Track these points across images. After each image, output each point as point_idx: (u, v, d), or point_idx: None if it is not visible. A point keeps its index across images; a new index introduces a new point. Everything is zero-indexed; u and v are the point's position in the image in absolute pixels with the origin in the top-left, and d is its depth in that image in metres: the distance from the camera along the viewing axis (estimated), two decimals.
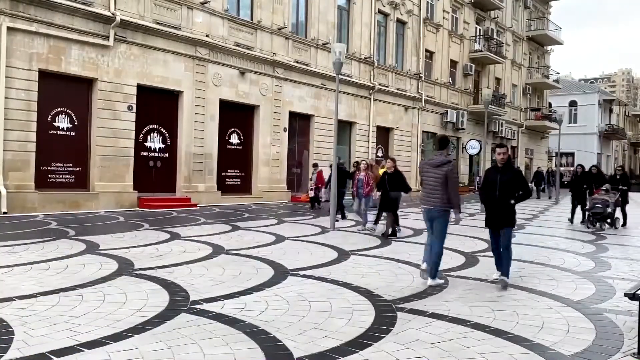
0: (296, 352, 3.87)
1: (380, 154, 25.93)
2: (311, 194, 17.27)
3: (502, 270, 6.39)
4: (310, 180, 18.10)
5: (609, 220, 13.27)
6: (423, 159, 10.21)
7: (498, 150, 6.66)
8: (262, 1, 19.10)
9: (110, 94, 14.74)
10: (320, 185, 16.81)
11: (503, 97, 34.81)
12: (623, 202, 14.03)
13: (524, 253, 8.88)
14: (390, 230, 10.78)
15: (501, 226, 6.43)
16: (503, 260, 6.40)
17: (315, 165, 18.45)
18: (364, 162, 13.20)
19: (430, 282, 6.25)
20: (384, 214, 11.05)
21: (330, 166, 14.22)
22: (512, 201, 6.39)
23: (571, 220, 14.68)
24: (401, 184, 10.95)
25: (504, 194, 6.40)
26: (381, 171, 12.44)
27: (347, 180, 14.79)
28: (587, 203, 13.93)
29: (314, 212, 15.78)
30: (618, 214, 13.86)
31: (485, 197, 6.73)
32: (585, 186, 14.49)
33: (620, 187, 14.01)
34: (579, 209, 14.71)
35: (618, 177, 14.73)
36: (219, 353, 3.81)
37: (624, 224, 13.97)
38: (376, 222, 11.42)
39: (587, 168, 15.71)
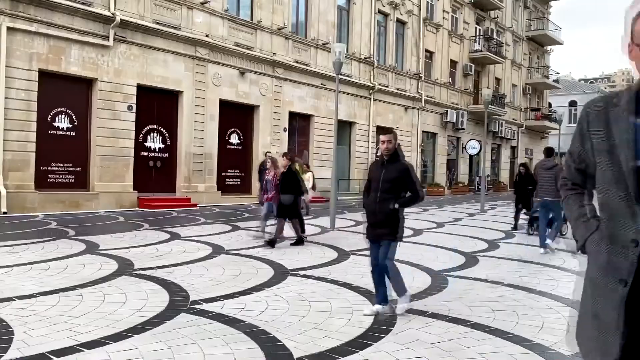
0: (296, 352, 3.86)
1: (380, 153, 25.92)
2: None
3: (396, 290, 4.98)
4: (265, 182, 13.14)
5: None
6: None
7: (382, 137, 4.99)
8: (262, 1, 19.09)
9: (110, 94, 14.74)
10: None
11: (503, 97, 34.82)
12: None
13: (524, 253, 8.88)
14: (296, 237, 9.33)
15: (381, 238, 4.94)
16: (391, 281, 4.96)
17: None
18: (269, 157, 10.77)
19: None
20: (286, 220, 9.42)
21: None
22: (395, 205, 4.83)
23: (515, 227, 12.63)
24: (293, 185, 9.27)
25: (385, 195, 4.87)
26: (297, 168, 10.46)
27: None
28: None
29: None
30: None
31: (365, 199, 5.16)
32: (530, 187, 12.07)
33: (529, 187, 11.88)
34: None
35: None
36: (219, 353, 3.81)
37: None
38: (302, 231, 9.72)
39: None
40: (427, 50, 28.93)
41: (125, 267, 6.74)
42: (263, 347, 3.95)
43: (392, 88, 26.07)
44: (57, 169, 14.02)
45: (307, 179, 12.52)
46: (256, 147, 19.34)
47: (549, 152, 9.59)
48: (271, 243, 8.86)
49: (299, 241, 9.32)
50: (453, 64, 31.43)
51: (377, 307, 4.91)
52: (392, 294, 5.03)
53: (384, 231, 4.88)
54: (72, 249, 7.97)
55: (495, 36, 34.37)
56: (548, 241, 9.10)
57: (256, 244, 9.12)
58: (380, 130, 25.55)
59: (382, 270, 4.93)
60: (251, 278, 6.33)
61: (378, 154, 5.16)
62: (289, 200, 9.21)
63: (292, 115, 20.78)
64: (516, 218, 12.84)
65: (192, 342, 4.00)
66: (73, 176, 14.33)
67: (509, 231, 12.28)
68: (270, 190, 9.71)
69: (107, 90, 14.65)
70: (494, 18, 35.34)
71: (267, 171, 10.28)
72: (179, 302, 5.15)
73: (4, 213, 12.29)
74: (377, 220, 4.91)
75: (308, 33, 21.39)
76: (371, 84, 24.42)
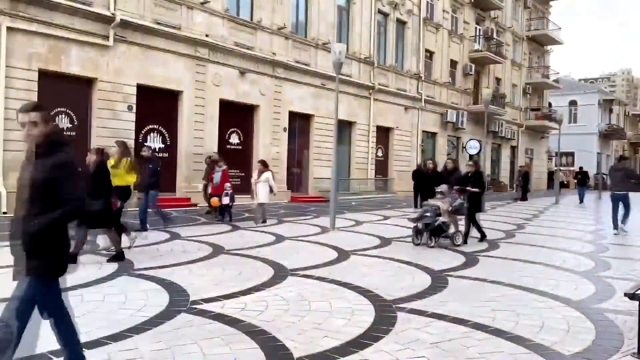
0: (296, 352, 3.87)
1: (380, 153, 25.94)
2: (225, 200, 12.48)
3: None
4: (215, 182, 12.88)
5: (444, 235, 9.61)
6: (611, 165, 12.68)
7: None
8: (262, 1, 19.09)
9: (110, 94, 14.74)
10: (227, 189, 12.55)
11: (503, 97, 34.82)
12: (472, 210, 10.14)
13: (524, 253, 8.89)
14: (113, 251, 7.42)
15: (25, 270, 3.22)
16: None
17: (215, 162, 13.73)
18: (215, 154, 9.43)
19: None
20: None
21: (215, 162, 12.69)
22: (37, 222, 3.15)
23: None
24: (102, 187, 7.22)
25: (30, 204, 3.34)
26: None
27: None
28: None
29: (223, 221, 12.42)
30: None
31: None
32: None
33: (469, 188, 10.14)
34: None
35: (470, 174, 10.47)
36: (219, 353, 3.81)
37: (465, 241, 9.81)
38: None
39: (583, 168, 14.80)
40: (427, 50, 28.93)
41: (125, 267, 6.75)
42: (263, 347, 3.95)
43: (392, 88, 26.07)
44: None
45: (266, 179, 12.00)
46: (256, 147, 19.33)
47: (621, 158, 13.35)
48: (118, 257, 7.27)
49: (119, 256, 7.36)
50: (453, 63, 31.43)
51: None
52: None
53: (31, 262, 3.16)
54: (71, 249, 7.95)
55: (495, 36, 34.36)
56: (620, 225, 12.03)
57: (258, 243, 9.11)
58: (380, 130, 25.63)
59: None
60: (251, 278, 6.33)
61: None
62: (97, 206, 6.94)
63: (292, 115, 20.78)
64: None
65: (192, 342, 4.00)
66: None
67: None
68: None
69: (107, 90, 14.65)
70: (494, 18, 35.34)
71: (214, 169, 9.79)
72: (179, 302, 5.15)
73: (4, 213, 12.29)
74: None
75: (308, 33, 21.39)
76: (371, 84, 24.42)
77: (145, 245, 8.64)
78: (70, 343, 3.34)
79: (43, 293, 3.24)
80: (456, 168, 11.72)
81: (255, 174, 10.68)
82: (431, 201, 10.13)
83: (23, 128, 3.31)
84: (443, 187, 10.09)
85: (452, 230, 9.63)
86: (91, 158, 7.43)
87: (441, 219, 9.46)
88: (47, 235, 3.15)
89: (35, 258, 3.16)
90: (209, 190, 13.04)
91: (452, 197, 9.87)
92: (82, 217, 6.28)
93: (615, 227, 12.07)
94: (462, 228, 10.00)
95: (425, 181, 11.86)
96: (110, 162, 8.34)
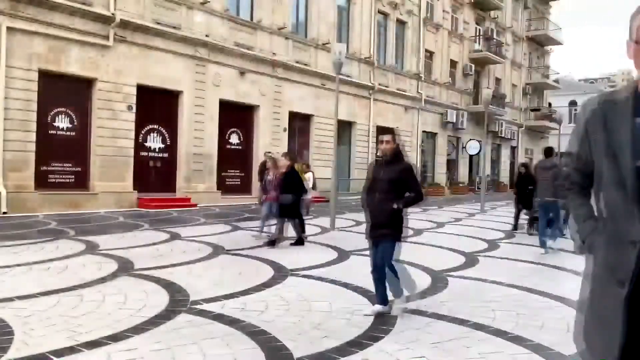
0: (296, 352, 3.86)
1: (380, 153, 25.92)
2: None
3: (393, 292, 4.98)
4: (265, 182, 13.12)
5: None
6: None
7: (382, 137, 5.00)
8: (262, 1, 19.09)
9: (110, 94, 14.74)
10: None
11: (503, 97, 34.82)
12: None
13: (524, 253, 8.88)
14: (296, 237, 9.26)
15: (382, 238, 4.88)
16: (388, 282, 4.92)
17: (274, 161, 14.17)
18: (270, 156, 10.48)
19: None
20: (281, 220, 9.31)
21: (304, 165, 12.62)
22: (397, 205, 4.78)
23: (515, 227, 12.56)
24: (297, 185, 9.26)
25: (386, 195, 4.81)
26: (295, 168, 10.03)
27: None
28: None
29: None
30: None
31: (365, 199, 5.10)
32: (530, 187, 11.68)
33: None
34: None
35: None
36: (219, 353, 3.80)
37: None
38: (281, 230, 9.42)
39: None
40: (427, 50, 28.93)
41: (125, 267, 6.74)
42: (263, 347, 3.94)
43: (392, 88, 26.07)
44: (57, 169, 14.02)
45: (307, 178, 12.31)
46: (256, 147, 19.33)
47: (548, 152, 9.78)
48: (271, 243, 8.89)
49: (299, 241, 9.26)
50: (453, 64, 31.43)
51: (377, 307, 4.89)
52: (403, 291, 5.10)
53: (385, 231, 4.82)
54: (72, 249, 7.96)
55: (495, 36, 34.37)
56: (549, 242, 9.12)
57: (257, 243, 9.12)
58: (381, 130, 25.60)
59: (381, 270, 4.88)
60: (251, 278, 6.32)
61: (378, 154, 5.07)
62: (288, 200, 9.06)
63: (292, 115, 20.78)
64: (516, 218, 12.76)
65: (192, 342, 3.99)
66: (73, 176, 14.33)
67: (509, 231, 12.28)
68: (271, 191, 9.57)
69: (107, 90, 14.65)
70: (494, 18, 35.34)
71: (267, 171, 10.12)
72: (179, 302, 5.15)
73: (4, 213, 12.29)
74: (378, 221, 4.85)
75: (308, 33, 21.39)
76: (371, 84, 24.42)
77: (145, 245, 8.64)
78: (396, 290, 4.95)
79: (390, 252, 4.83)
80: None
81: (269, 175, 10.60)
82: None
83: (381, 144, 4.94)
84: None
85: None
86: (284, 162, 9.49)
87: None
88: (398, 213, 4.81)
89: (390, 228, 4.82)
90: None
91: None
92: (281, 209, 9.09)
93: (543, 245, 9.03)
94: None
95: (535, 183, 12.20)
96: (297, 167, 10.30)
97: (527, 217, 12.19)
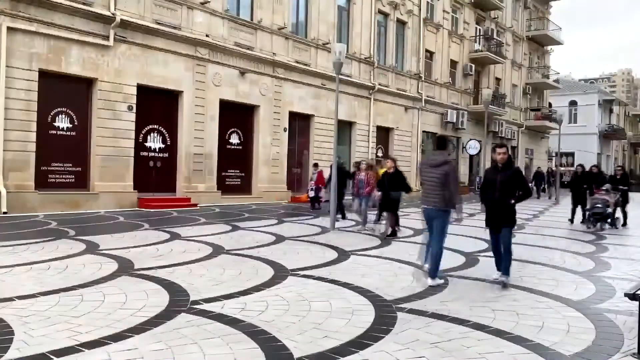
0: (296, 352, 3.87)
1: (380, 153, 25.94)
2: (311, 194, 17.19)
3: (502, 270, 6.45)
4: (311, 180, 17.96)
5: (609, 220, 13.35)
6: (423, 159, 9.48)
7: (498, 149, 6.66)
8: (262, 1, 19.09)
9: (110, 94, 14.74)
10: (320, 186, 16.69)
11: (503, 97, 34.81)
12: (624, 202, 14.08)
13: (524, 253, 8.88)
14: (390, 230, 10.80)
15: (501, 226, 6.48)
16: (503, 260, 6.44)
17: (315, 165, 18.51)
18: (364, 162, 13.28)
19: (430, 282, 6.22)
20: (385, 213, 11.15)
21: (331, 166, 13.75)
22: (512, 201, 6.43)
23: (571, 221, 14.71)
24: (401, 184, 10.85)
25: (503, 193, 6.43)
26: (381, 171, 12.22)
27: (347, 181, 14.26)
28: (588, 203, 14.01)
29: (314, 212, 15.77)
30: (618, 214, 13.89)
31: (484, 197, 6.80)
32: (585, 186, 14.51)
33: (620, 187, 14.00)
34: (579, 210, 14.71)
35: (618, 177, 14.62)
36: (219, 353, 3.81)
37: (624, 224, 14.03)
38: (377, 221, 11.79)
39: (587, 168, 15.74)
40: (427, 50, 28.93)
41: (125, 267, 6.75)
42: (263, 347, 3.95)
43: (392, 88, 26.06)
44: (57, 169, 14.02)
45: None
46: (256, 147, 19.33)
47: (441, 140, 7.10)
48: (393, 234, 10.73)
49: (394, 233, 10.84)
50: (453, 64, 31.42)
51: (498, 274, 6.49)
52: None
53: (503, 221, 6.43)
54: (72, 249, 7.97)
55: (495, 36, 34.34)
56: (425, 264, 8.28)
57: (255, 244, 9.11)
58: (381, 130, 25.62)
59: (499, 251, 6.52)
60: (251, 278, 6.33)
61: (494, 160, 6.75)
62: (398, 196, 10.85)
63: (292, 115, 20.77)
64: (573, 212, 14.93)
65: (192, 342, 4.00)
66: (73, 176, 14.33)
67: (567, 223, 14.59)
68: (363, 187, 11.98)
69: (107, 90, 14.65)
70: (494, 18, 35.33)
71: (357, 172, 12.54)
72: (179, 302, 5.15)
73: (4, 213, 12.29)
74: (497, 213, 6.51)
75: (308, 33, 21.39)
76: (371, 84, 24.41)
77: (145, 245, 8.64)
78: (506, 266, 6.44)
79: (508, 236, 6.44)
80: (600, 172, 15.70)
81: (360, 175, 12.65)
82: (598, 196, 13.45)
83: (499, 155, 6.61)
84: (607, 186, 13.77)
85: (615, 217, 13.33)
86: (388, 164, 11.17)
87: (609, 209, 13.19)
88: (513, 207, 6.47)
89: (508, 218, 6.44)
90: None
91: (615, 193, 13.56)
92: (384, 204, 10.93)
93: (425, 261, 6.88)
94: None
95: (589, 182, 14.74)
96: (383, 169, 11.82)
97: (584, 213, 14.15)
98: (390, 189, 10.68)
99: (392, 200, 10.73)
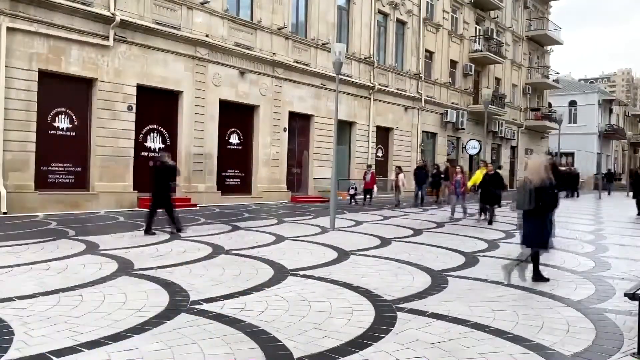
0: (296, 352, 3.87)
1: (380, 153, 25.94)
2: (351, 191, 20.20)
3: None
4: (364, 179, 20.29)
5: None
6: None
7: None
8: (262, 1, 19.09)
9: (110, 94, 14.74)
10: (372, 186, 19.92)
11: (503, 97, 34.80)
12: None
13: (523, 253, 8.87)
14: (489, 219, 13.70)
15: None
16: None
17: (369, 167, 21.11)
18: (458, 167, 17.19)
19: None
20: (486, 206, 13.98)
21: (416, 168, 20.95)
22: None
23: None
24: (500, 183, 13.86)
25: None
26: (481, 173, 15.25)
27: (426, 180, 20.27)
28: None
29: (353, 207, 18.14)
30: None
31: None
32: None
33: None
34: None
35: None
36: (219, 353, 3.81)
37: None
38: (480, 214, 14.66)
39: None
40: (427, 50, 28.92)
41: (125, 267, 6.75)
42: (263, 347, 3.95)
43: (392, 88, 26.06)
44: (57, 169, 14.02)
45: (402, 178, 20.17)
46: (256, 147, 19.33)
47: None
48: (490, 222, 13.48)
49: (490, 222, 13.53)
50: (453, 64, 31.42)
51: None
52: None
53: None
54: (72, 249, 7.97)
55: (495, 36, 34.34)
56: None
57: (253, 244, 9.11)
58: (380, 130, 25.61)
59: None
60: (251, 278, 6.33)
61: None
62: (498, 192, 13.51)
63: (292, 115, 20.77)
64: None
65: (192, 342, 4.00)
66: (73, 176, 14.33)
67: (634, 217, 16.72)
68: (460, 186, 15.11)
69: (107, 90, 14.65)
70: (494, 18, 35.33)
71: (455, 174, 15.80)
72: (179, 302, 5.15)
73: (4, 213, 12.29)
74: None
75: (308, 33, 21.39)
76: (371, 84, 24.41)
77: (146, 245, 8.64)
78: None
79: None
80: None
81: (393, 175, 18.33)
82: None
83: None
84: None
85: None
86: (489, 167, 14.48)
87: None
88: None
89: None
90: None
91: None
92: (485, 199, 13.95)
93: None
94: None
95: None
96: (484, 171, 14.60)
97: None
98: (492, 187, 13.57)
99: (494, 196, 13.52)
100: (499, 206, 13.93)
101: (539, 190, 6.44)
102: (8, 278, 6.00)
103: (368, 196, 19.81)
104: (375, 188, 20.20)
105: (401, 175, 20.12)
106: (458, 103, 31.56)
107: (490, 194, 13.58)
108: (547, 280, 6.62)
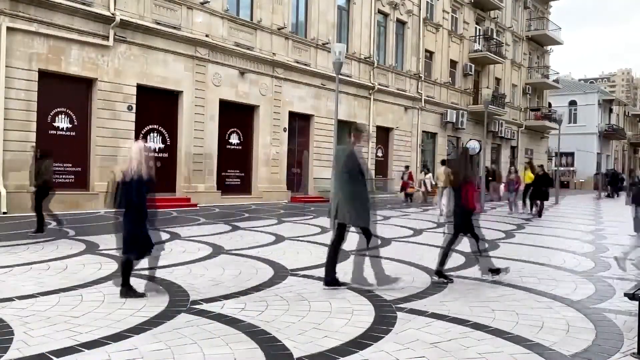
0: (296, 352, 3.86)
1: (380, 153, 25.95)
2: (410, 190, 22.89)
3: None
4: (402, 179, 23.38)
5: None
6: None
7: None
8: (262, 1, 19.10)
9: (110, 94, 14.74)
10: (410, 183, 22.81)
11: (503, 97, 34.81)
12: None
13: (524, 253, 8.88)
14: (539, 213, 16.06)
15: None
16: None
17: (407, 167, 23.75)
18: (512, 167, 19.76)
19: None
20: (533, 201, 16.46)
21: (487, 170, 23.00)
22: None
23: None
24: (549, 182, 16.52)
25: None
26: (528, 173, 17.53)
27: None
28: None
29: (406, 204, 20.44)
30: None
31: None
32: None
33: None
34: None
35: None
36: (219, 353, 3.81)
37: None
38: (531, 208, 16.67)
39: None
40: (427, 50, 28.93)
41: None
42: (263, 347, 3.95)
43: (392, 88, 26.07)
44: (57, 169, 13.92)
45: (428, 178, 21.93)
46: (256, 147, 19.34)
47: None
48: (540, 215, 15.96)
49: (540, 214, 16.07)
50: (453, 64, 31.42)
51: None
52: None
53: None
54: (72, 249, 7.97)
55: (495, 36, 34.36)
56: None
57: (258, 243, 9.12)
58: (380, 130, 25.61)
59: None
60: (251, 278, 6.33)
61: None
62: (546, 189, 16.20)
63: (292, 115, 20.77)
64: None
65: (192, 342, 4.00)
66: (73, 176, 14.33)
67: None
68: (513, 185, 17.44)
69: (107, 90, 14.65)
70: (494, 18, 35.34)
71: (508, 175, 18.26)
72: (179, 302, 5.15)
73: (4, 213, 12.29)
74: None
75: (308, 33, 21.39)
76: (371, 84, 24.41)
77: None
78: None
79: None
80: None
81: (422, 175, 21.05)
82: None
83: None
84: None
85: None
86: (536, 169, 16.96)
87: None
88: None
89: None
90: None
91: None
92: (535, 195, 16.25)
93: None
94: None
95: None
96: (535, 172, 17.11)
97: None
98: (542, 185, 16.05)
99: (544, 193, 15.98)
100: (547, 200, 16.90)
101: (126, 184, 5.16)
102: (8, 278, 5.99)
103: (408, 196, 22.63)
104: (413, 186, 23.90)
105: (429, 175, 22.11)
106: (458, 103, 31.57)
107: (541, 191, 15.98)
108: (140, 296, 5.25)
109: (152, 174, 5.31)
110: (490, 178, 23.83)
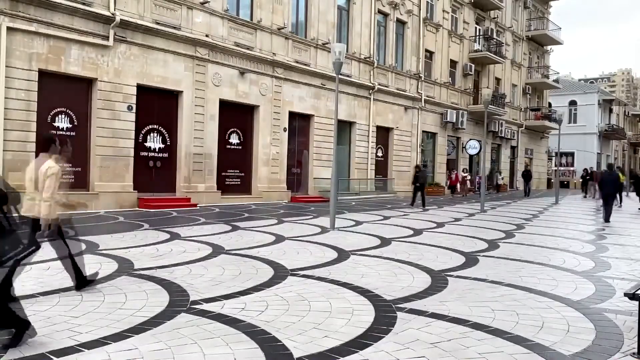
0: (296, 352, 3.87)
1: (380, 153, 25.95)
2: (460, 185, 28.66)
3: (605, 218, 11.40)
4: (449, 178, 29.22)
5: None
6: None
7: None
8: (262, 1, 19.09)
9: (110, 94, 14.74)
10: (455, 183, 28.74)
11: (503, 97, 34.80)
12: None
13: (524, 253, 8.88)
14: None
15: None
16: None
17: (452, 170, 29.20)
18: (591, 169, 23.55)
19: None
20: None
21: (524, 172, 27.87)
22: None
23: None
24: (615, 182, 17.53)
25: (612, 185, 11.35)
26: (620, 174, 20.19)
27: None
28: None
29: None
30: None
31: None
32: None
33: None
34: None
35: None
36: (219, 353, 3.81)
37: None
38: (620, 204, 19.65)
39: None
40: (427, 50, 28.93)
41: (125, 267, 6.75)
42: (263, 347, 3.95)
43: (392, 88, 26.06)
44: None
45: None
46: (256, 147, 19.33)
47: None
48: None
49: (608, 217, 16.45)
50: (453, 64, 31.42)
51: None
52: None
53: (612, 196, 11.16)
54: (71, 249, 7.94)
55: (495, 36, 34.34)
56: None
57: (258, 243, 9.12)
58: (380, 130, 25.61)
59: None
60: (251, 278, 6.33)
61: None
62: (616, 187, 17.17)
63: (292, 115, 20.77)
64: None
65: (192, 342, 4.00)
66: (73, 176, 14.31)
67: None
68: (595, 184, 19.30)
69: (107, 90, 14.65)
70: (494, 18, 35.34)
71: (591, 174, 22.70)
72: (179, 302, 5.15)
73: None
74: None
75: (308, 33, 21.39)
76: (371, 84, 24.41)
77: (145, 245, 8.64)
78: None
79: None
80: None
81: (463, 173, 26.44)
82: None
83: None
84: None
85: None
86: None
87: None
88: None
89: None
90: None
91: None
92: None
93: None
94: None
95: None
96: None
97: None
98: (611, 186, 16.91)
99: (611, 192, 16.63)
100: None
101: None
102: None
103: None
104: (458, 185, 29.32)
105: (468, 175, 26.91)
106: (458, 103, 31.57)
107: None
108: None
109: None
110: (588, 177, 30.99)
